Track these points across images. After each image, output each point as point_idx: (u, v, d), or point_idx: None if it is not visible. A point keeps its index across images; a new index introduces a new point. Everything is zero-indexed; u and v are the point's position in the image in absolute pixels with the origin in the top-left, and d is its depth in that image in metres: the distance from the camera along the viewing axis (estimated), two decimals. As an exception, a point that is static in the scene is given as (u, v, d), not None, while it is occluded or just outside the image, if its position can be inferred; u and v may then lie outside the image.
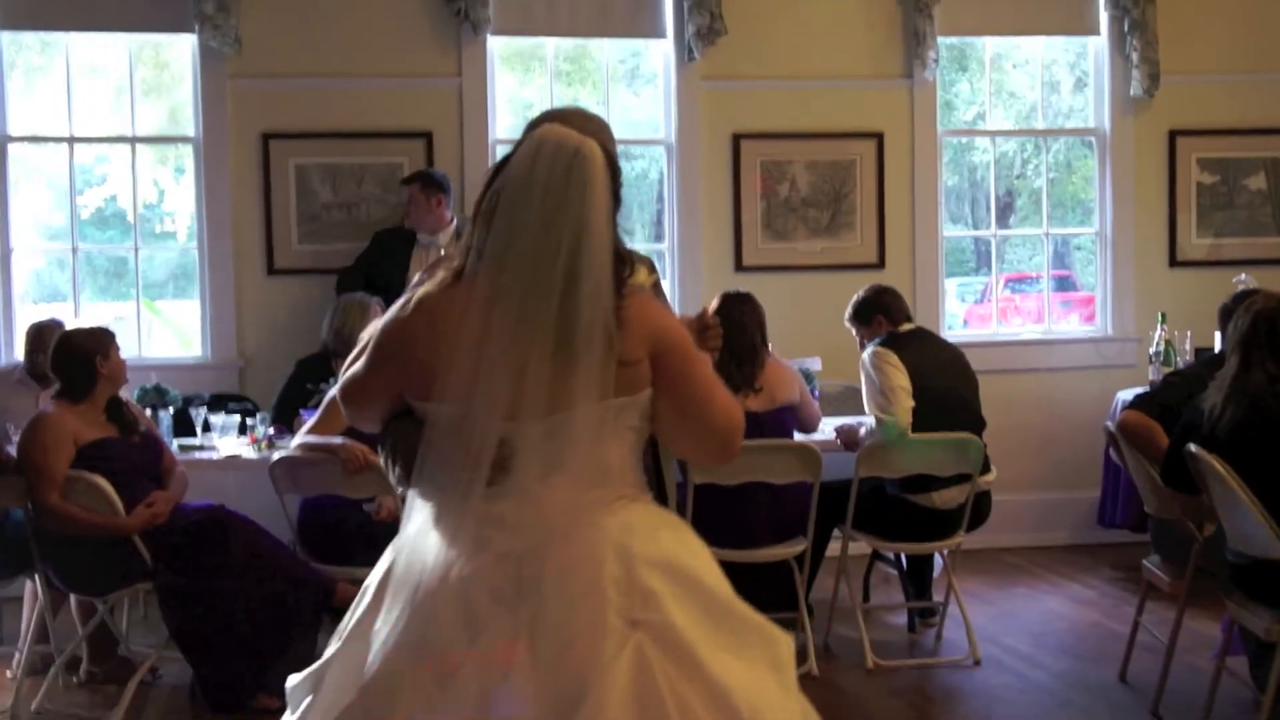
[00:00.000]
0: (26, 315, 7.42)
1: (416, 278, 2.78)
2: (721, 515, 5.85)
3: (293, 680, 2.72)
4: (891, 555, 6.65)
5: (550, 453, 2.50)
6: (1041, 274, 9.07)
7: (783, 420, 6.06)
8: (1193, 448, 4.67)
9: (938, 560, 6.66)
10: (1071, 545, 8.30)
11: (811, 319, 7.70)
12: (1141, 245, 8.50)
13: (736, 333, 5.95)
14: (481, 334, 2.49)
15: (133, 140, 7.77)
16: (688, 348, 2.66)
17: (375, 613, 2.58)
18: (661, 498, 3.17)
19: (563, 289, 2.48)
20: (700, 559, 2.63)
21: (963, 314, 10.37)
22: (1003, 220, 9.35)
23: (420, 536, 2.58)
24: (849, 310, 6.42)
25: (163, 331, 8.43)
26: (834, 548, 6.29)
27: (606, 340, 2.50)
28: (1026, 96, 8.80)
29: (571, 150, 2.53)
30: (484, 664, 2.41)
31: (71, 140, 7.73)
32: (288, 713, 2.69)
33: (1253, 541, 4.53)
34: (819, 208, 8.17)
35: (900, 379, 6.00)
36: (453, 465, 2.51)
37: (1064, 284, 10.18)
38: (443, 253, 7.19)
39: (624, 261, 2.62)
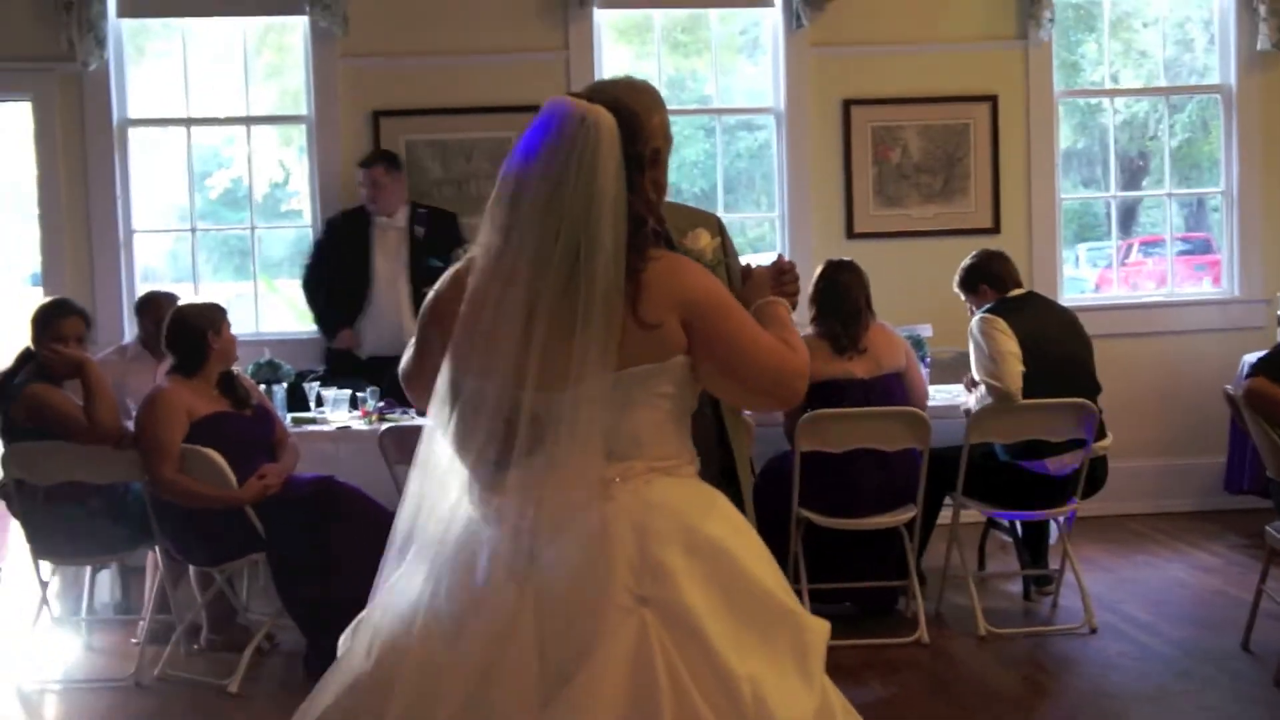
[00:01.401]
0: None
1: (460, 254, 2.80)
2: (829, 482, 5.82)
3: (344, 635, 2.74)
4: (1006, 522, 6.55)
5: (575, 424, 2.45)
6: (1170, 236, 8.83)
7: (889, 387, 5.98)
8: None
9: (1054, 527, 6.54)
10: (1197, 512, 8.10)
11: (924, 286, 7.59)
12: (1270, 204, 8.25)
13: (841, 297, 5.99)
14: (497, 307, 2.48)
15: (248, 121, 7.93)
16: (720, 305, 2.61)
17: (399, 569, 2.61)
18: (727, 470, 3.14)
19: (572, 259, 2.45)
20: (734, 536, 2.58)
21: (1094, 278, 10.11)
22: (1135, 183, 9.09)
23: (451, 501, 2.58)
24: (956, 278, 6.34)
25: (281, 309, 8.57)
26: (946, 515, 6.20)
27: (617, 309, 2.47)
28: (1156, 55, 8.55)
29: (576, 120, 2.50)
30: (487, 634, 2.42)
31: (189, 122, 7.90)
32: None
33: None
34: (931, 173, 8.05)
35: (1009, 344, 5.90)
36: (478, 436, 2.51)
37: (1202, 246, 9.89)
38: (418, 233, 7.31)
39: (644, 226, 2.58)
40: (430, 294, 2.74)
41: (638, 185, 2.59)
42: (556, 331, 2.45)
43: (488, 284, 2.52)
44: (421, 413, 2.72)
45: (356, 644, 2.60)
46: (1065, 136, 8.54)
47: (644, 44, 8.40)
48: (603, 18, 7.94)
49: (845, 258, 6.27)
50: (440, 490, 2.60)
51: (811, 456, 5.76)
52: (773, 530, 5.78)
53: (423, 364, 2.73)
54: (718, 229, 3.28)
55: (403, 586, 2.58)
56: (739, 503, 3.02)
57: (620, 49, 8.25)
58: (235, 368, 5.89)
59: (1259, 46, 8.07)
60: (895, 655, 5.64)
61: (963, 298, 6.36)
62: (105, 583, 6.54)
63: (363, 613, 2.67)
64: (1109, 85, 8.47)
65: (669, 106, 3.04)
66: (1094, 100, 8.51)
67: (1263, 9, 7.98)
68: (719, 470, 3.12)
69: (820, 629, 2.57)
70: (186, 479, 5.42)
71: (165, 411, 5.50)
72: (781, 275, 3.03)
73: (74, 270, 7.65)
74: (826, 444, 5.74)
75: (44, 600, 5.77)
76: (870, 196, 8.04)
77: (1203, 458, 8.05)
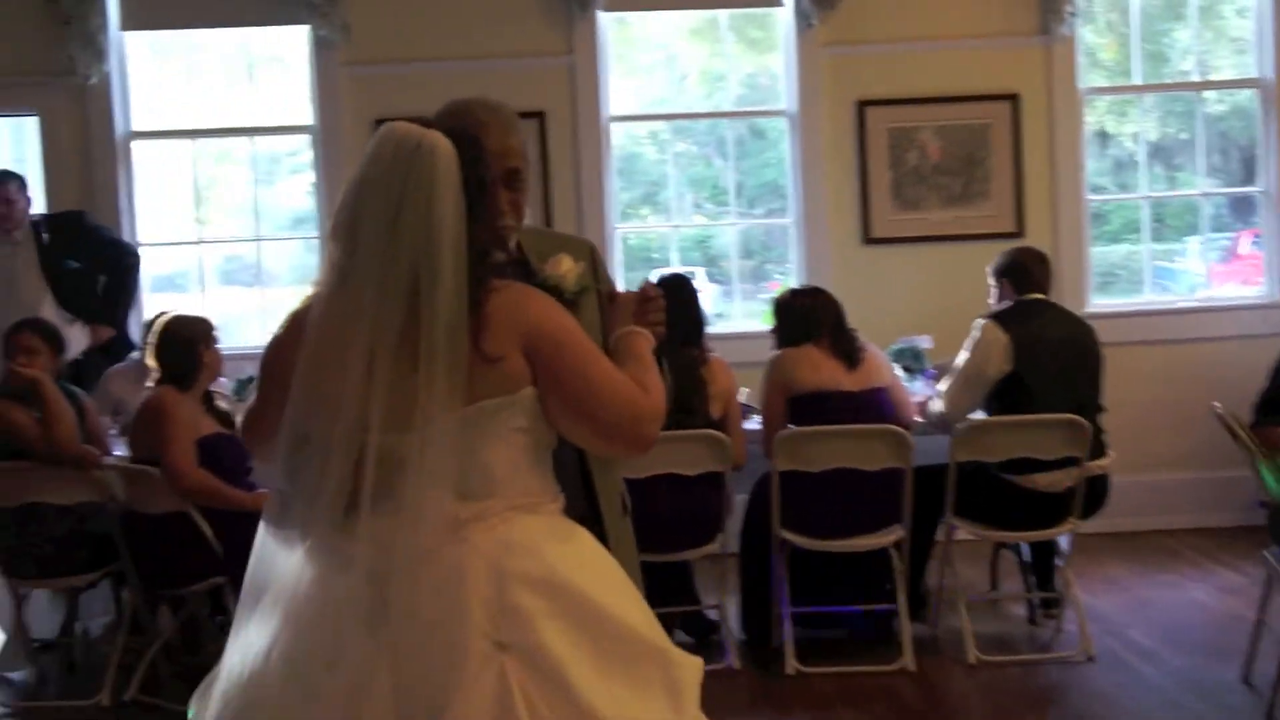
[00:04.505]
0: (154, 307, 7.52)
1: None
2: (809, 503, 5.60)
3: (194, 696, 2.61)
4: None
5: (423, 465, 2.33)
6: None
7: (879, 402, 5.74)
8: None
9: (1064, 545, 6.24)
10: (1240, 527, 7.69)
11: (941, 292, 7.34)
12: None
13: (824, 314, 5.83)
14: (338, 346, 2.36)
15: (252, 132, 7.86)
16: (563, 337, 2.47)
17: (251, 620, 2.48)
18: (594, 507, 2.96)
19: (411, 292, 2.34)
20: (598, 575, 2.46)
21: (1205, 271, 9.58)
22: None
23: (304, 548, 2.45)
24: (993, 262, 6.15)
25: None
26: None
27: (461, 343, 2.35)
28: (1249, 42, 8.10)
29: (412, 146, 2.37)
30: (345, 688, 2.30)
31: (194, 134, 7.86)
32: None
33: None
34: (951, 175, 7.78)
35: (987, 370, 5.70)
36: (327, 481, 2.38)
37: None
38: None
39: (488, 256, 2.44)
40: (272, 337, 2.61)
41: (481, 212, 2.45)
42: (399, 369, 2.34)
43: (327, 322, 2.41)
44: (262, 460, 2.61)
45: (208, 708, 2.47)
46: (1156, 126, 8.21)
47: (648, 46, 8.23)
48: (607, 20, 7.75)
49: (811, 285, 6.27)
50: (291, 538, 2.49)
51: (789, 476, 5.55)
52: (761, 553, 5.68)
53: (263, 410, 2.61)
54: (588, 255, 3.09)
55: (254, 642, 2.45)
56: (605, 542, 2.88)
57: (627, 51, 8.06)
58: (216, 385, 5.81)
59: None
60: (875, 683, 5.42)
61: (991, 284, 6.11)
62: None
63: (211, 672, 2.55)
64: (1195, 77, 8.08)
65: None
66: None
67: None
68: (585, 509, 2.94)
69: (692, 665, 2.46)
70: (209, 475, 5.32)
71: (177, 410, 5.39)
72: (645, 303, 2.84)
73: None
74: (803, 463, 5.53)
75: (17, 622, 5.71)
76: (888, 200, 7.78)
77: (1245, 469, 7.66)
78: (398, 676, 2.29)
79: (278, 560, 2.48)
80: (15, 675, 5.87)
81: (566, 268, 2.96)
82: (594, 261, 3.10)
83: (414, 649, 2.30)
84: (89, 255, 7.08)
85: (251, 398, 2.73)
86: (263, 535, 2.51)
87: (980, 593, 6.44)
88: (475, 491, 2.40)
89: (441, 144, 2.38)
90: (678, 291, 5.77)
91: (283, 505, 2.49)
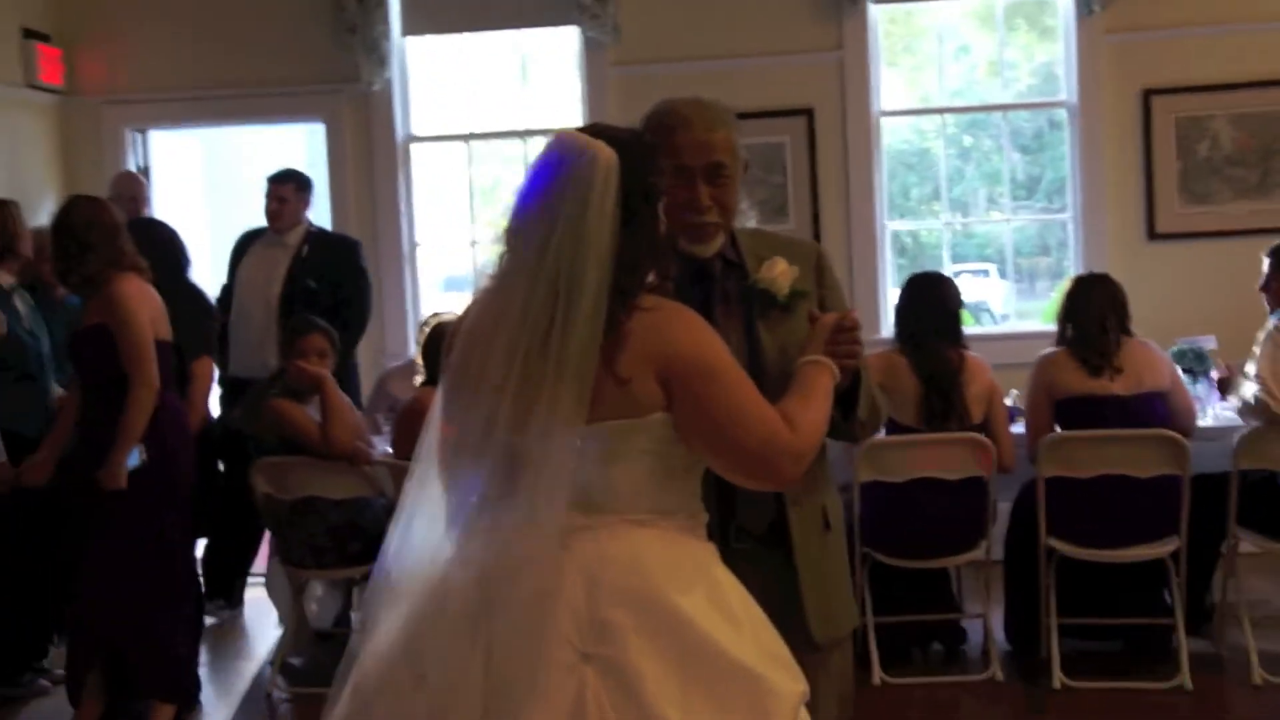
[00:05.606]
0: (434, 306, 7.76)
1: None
2: (1078, 511, 5.35)
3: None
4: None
5: (541, 473, 2.34)
6: None
7: (1153, 407, 5.43)
8: None
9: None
10: None
11: (1232, 289, 6.92)
12: None
13: (1082, 313, 5.53)
14: (486, 349, 2.39)
15: (525, 134, 8.01)
16: (704, 367, 2.40)
17: (381, 608, 2.54)
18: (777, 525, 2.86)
19: (552, 307, 2.32)
20: (696, 594, 2.39)
21: None
22: None
23: (436, 540, 2.49)
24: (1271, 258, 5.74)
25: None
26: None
27: (591, 361, 2.33)
28: None
29: (573, 157, 2.36)
30: (441, 684, 2.33)
31: (469, 137, 8.06)
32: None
33: None
34: (1246, 166, 7.34)
35: None
36: (459, 477, 2.43)
37: None
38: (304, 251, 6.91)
39: (636, 271, 2.40)
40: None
41: (643, 223, 2.41)
42: (531, 379, 2.33)
43: (478, 327, 2.44)
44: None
45: (342, 691, 2.52)
46: None
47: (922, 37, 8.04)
48: (877, 13, 7.60)
49: (1098, 271, 5.86)
50: (429, 527, 2.51)
51: (1058, 482, 5.32)
52: (1028, 561, 5.46)
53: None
54: (812, 260, 2.97)
55: (385, 628, 2.49)
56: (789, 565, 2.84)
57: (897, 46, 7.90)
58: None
59: None
60: (1148, 701, 5.15)
61: (1265, 282, 5.72)
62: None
63: (346, 658, 2.60)
64: None
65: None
66: None
67: None
68: (768, 527, 2.86)
69: (789, 694, 2.37)
70: None
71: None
72: (839, 333, 2.72)
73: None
74: (1071, 468, 5.28)
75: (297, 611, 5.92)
76: (1175, 193, 7.40)
77: None
78: (488, 676, 2.31)
79: (406, 549, 2.51)
80: (296, 661, 6.10)
81: (780, 270, 2.86)
82: (819, 268, 2.99)
83: (504, 652, 2.31)
84: (332, 284, 6.87)
85: None
86: (399, 526, 2.52)
87: (1273, 609, 6.05)
88: (596, 505, 2.39)
89: (604, 153, 2.35)
90: (929, 290, 5.60)
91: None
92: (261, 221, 7.00)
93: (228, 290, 7.06)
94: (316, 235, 7.08)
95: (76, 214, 5.17)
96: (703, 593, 2.39)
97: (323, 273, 6.83)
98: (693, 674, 2.30)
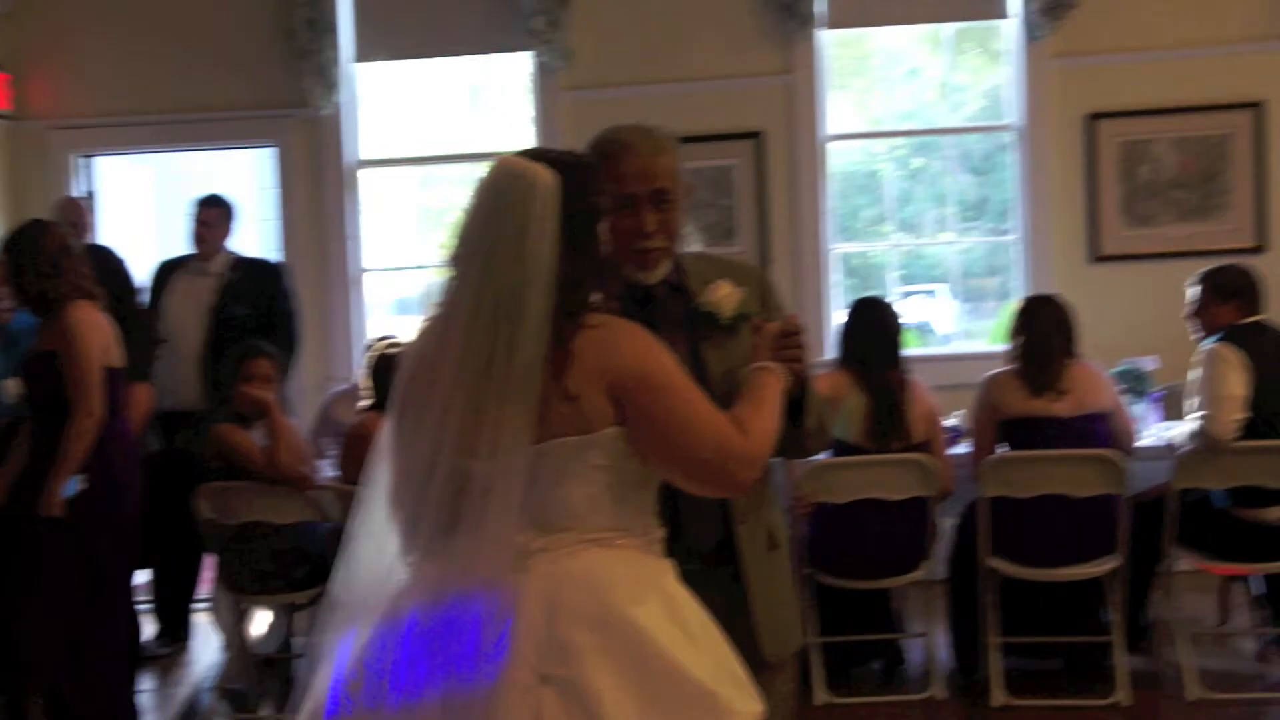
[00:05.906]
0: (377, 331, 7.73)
1: None
2: (1019, 531, 5.39)
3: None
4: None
5: (490, 495, 2.34)
6: None
7: (1095, 429, 5.48)
8: None
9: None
10: None
11: (1175, 310, 6.96)
12: None
13: (1030, 333, 5.56)
14: (431, 372, 2.40)
15: (475, 158, 8.03)
16: (652, 380, 2.42)
17: (334, 631, 2.53)
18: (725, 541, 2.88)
19: (497, 328, 2.34)
20: (655, 613, 2.40)
21: None
22: None
23: (386, 563, 2.49)
24: (1202, 282, 5.71)
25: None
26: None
27: (535, 380, 2.35)
28: None
29: (511, 180, 2.39)
30: (400, 710, 2.32)
31: (419, 161, 8.08)
32: None
33: None
34: (1188, 188, 7.43)
35: (1236, 387, 5.33)
36: (407, 502, 2.44)
37: None
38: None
39: (580, 290, 2.42)
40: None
41: (585, 244, 2.44)
42: (475, 401, 2.35)
43: (424, 350, 2.47)
44: None
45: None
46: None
47: (867, 62, 8.10)
48: (827, 39, 7.66)
49: (1046, 293, 5.91)
50: (377, 552, 2.51)
51: (1000, 502, 5.36)
52: (970, 581, 5.49)
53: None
54: (755, 282, 2.99)
55: (340, 653, 2.48)
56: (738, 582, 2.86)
57: (849, 70, 7.97)
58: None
59: None
60: (1086, 717, 5.22)
61: (1194, 309, 5.75)
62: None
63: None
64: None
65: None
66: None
67: None
68: (715, 544, 2.87)
69: (746, 712, 2.39)
70: None
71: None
72: (784, 337, 2.77)
73: (307, 308, 7.85)
74: (1012, 489, 5.32)
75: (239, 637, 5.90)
76: (1117, 216, 7.48)
77: None
78: (446, 699, 2.31)
79: (360, 573, 2.52)
80: (236, 688, 6.07)
81: (725, 293, 2.89)
82: (762, 289, 3.01)
83: (464, 673, 2.31)
84: (261, 309, 6.80)
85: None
86: (353, 551, 2.52)
87: (1208, 626, 6.10)
88: (551, 524, 2.40)
89: (542, 176, 2.38)
90: (870, 313, 5.64)
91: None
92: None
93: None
94: (241, 261, 6.99)
95: (50, 239, 5.18)
96: (661, 610, 2.40)
97: (252, 299, 6.77)
98: (650, 693, 2.31)
